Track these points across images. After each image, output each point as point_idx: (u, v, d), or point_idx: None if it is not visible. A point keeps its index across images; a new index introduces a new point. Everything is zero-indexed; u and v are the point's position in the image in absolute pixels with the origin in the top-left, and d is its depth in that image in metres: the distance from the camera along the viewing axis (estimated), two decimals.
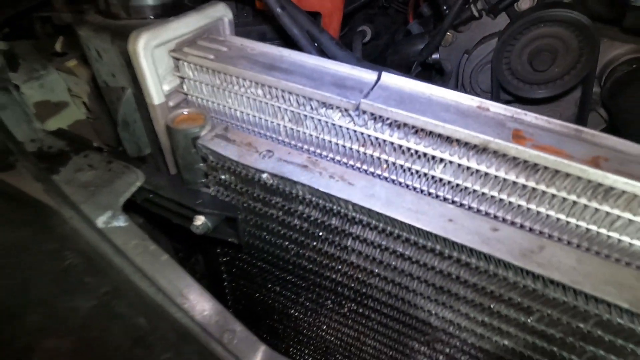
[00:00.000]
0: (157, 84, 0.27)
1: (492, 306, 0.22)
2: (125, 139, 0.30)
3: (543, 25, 0.40)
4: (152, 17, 0.28)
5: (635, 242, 0.20)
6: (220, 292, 0.32)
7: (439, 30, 0.57)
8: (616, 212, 0.20)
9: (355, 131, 0.24)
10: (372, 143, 0.24)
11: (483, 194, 0.22)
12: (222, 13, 0.30)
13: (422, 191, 0.24)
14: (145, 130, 0.30)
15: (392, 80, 0.25)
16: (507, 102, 0.53)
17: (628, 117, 0.38)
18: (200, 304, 0.22)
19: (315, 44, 0.44)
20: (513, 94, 0.47)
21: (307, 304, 0.33)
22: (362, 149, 0.24)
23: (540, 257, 0.20)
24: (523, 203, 0.21)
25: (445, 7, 0.58)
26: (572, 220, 0.21)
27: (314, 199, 0.24)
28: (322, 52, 0.44)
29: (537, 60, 0.42)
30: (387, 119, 0.22)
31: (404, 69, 0.75)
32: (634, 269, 0.20)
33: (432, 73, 0.71)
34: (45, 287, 0.19)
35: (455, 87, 0.57)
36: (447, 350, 0.27)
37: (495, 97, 0.49)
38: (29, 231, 0.20)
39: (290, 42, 0.43)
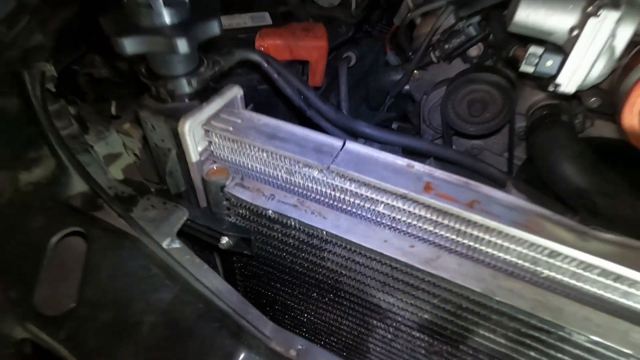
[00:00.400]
0: (194, 147, 0.39)
1: (414, 294, 0.36)
2: (170, 183, 0.43)
3: (475, 84, 0.54)
4: (187, 100, 0.41)
5: (495, 252, 0.33)
6: (235, 288, 0.45)
7: (406, 71, 0.70)
8: (481, 234, 0.33)
9: (328, 182, 0.37)
10: (339, 189, 0.37)
11: (408, 223, 0.35)
12: (237, 92, 0.43)
13: (370, 221, 0.37)
14: (183, 176, 0.43)
15: (352, 146, 0.38)
16: (455, 135, 0.67)
17: (534, 151, 0.51)
18: (229, 295, 0.35)
19: (302, 97, 0.56)
20: (457, 131, 0.61)
21: (300, 296, 0.46)
22: (333, 193, 0.37)
23: (436, 263, 0.33)
24: (431, 228, 0.34)
25: (410, 53, 0.72)
26: (460, 239, 0.34)
27: (301, 227, 0.37)
28: (309, 104, 0.56)
29: (472, 108, 0.55)
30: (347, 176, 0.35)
31: (383, 94, 0.88)
32: (492, 269, 0.33)
33: (406, 99, 0.84)
34: (143, 286, 0.31)
35: (419, 120, 0.70)
36: (394, 324, 0.41)
37: (445, 133, 0.62)
38: (127, 252, 0.33)
39: (277, 90, 0.56)
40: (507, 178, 0.49)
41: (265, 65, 0.51)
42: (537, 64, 0.45)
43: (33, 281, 0.31)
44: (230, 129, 0.39)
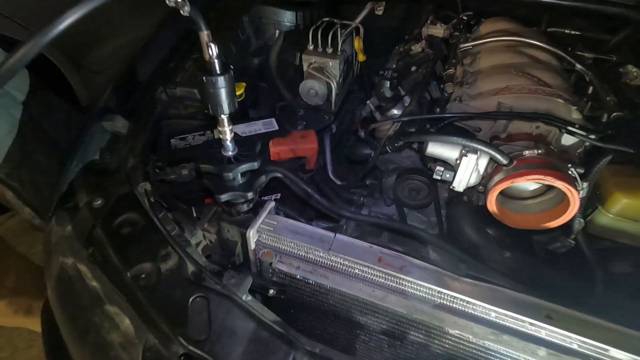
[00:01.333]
0: (252, 241, 0.71)
1: (377, 316, 0.68)
2: (236, 260, 0.74)
3: (411, 180, 0.88)
4: (246, 214, 0.73)
5: (417, 292, 0.66)
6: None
7: (373, 157, 1.04)
8: (407, 284, 0.65)
9: (329, 258, 0.69)
10: (335, 262, 0.69)
11: (370, 279, 0.68)
12: (272, 205, 0.75)
13: (352, 278, 0.69)
14: (243, 256, 0.74)
15: (340, 237, 0.70)
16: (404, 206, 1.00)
17: (449, 219, 0.85)
18: (278, 322, 0.66)
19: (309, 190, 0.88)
20: (405, 205, 0.95)
21: (314, 322, 0.77)
22: (332, 264, 0.69)
23: (386, 300, 0.65)
24: (382, 281, 0.67)
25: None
26: (397, 286, 0.67)
27: (314, 283, 0.69)
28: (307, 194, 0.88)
29: (411, 192, 0.89)
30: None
31: (355, 162, 1.20)
32: (416, 301, 0.66)
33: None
34: (237, 321, 0.62)
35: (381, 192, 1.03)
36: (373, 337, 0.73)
37: (397, 207, 0.96)
38: (226, 304, 0.64)
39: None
40: (435, 239, 0.82)
41: (285, 177, 0.83)
42: (441, 175, 0.79)
43: (185, 322, 0.62)
44: (272, 229, 0.71)
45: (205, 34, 0.50)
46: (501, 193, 0.82)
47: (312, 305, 0.73)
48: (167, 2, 0.44)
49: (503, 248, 0.81)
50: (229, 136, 0.63)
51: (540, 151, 0.73)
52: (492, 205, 0.77)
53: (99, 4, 0.42)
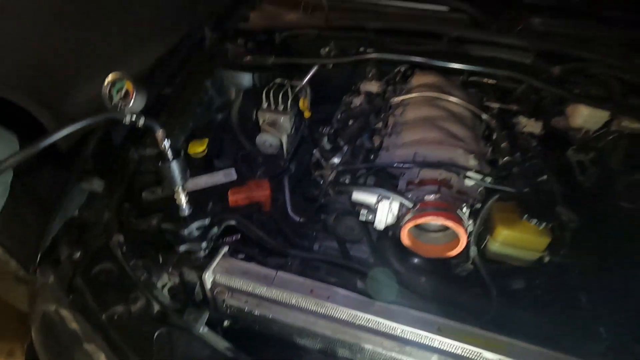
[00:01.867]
0: (208, 282, 0.86)
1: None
2: (197, 298, 0.89)
3: (344, 222, 1.05)
4: (203, 259, 0.88)
5: (341, 317, 0.82)
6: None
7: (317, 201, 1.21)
8: (330, 310, 0.82)
9: (272, 292, 0.85)
10: (278, 295, 0.85)
11: (302, 307, 0.83)
12: (225, 250, 0.91)
13: (294, 309, 0.85)
14: (202, 294, 0.89)
15: (281, 274, 0.86)
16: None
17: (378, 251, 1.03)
18: (229, 348, 0.81)
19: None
20: (343, 241, 1.12)
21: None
22: (275, 297, 0.85)
23: (316, 324, 0.81)
24: (314, 308, 0.83)
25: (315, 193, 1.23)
26: (319, 310, 0.83)
27: (261, 313, 0.84)
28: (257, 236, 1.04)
29: (346, 230, 1.07)
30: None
31: (310, 200, 1.37)
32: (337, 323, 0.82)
33: None
34: (196, 349, 0.77)
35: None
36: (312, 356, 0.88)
37: (338, 242, 1.13)
38: (186, 337, 0.78)
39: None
40: (362, 269, 0.99)
41: (237, 224, 0.99)
42: (365, 217, 0.98)
43: (152, 354, 0.76)
44: (224, 271, 0.86)
45: (159, 133, 0.68)
46: (418, 227, 1.01)
47: (261, 332, 0.88)
48: (124, 122, 0.61)
49: (421, 274, 0.98)
50: (183, 202, 0.79)
51: (437, 195, 0.92)
52: (405, 239, 0.95)
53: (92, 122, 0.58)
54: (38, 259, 0.95)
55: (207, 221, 0.83)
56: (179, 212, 0.81)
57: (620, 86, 1.26)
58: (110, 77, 0.60)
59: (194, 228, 0.81)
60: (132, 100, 0.58)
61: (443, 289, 0.97)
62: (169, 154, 0.70)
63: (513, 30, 1.40)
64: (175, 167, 0.70)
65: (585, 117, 1.27)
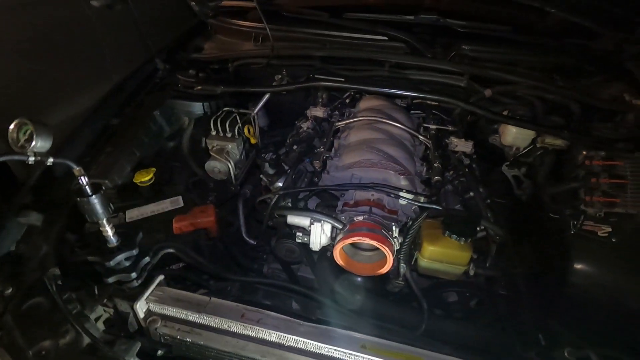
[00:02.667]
0: (142, 311, 0.87)
1: None
2: (130, 328, 0.89)
3: (285, 244, 1.09)
4: (135, 288, 0.89)
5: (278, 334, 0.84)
6: None
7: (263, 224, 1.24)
8: (248, 332, 0.84)
9: (203, 318, 0.86)
10: (210, 321, 0.87)
11: (240, 333, 0.85)
12: (160, 278, 0.92)
13: (226, 334, 0.86)
14: (137, 324, 0.90)
15: (214, 300, 0.88)
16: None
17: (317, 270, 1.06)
18: None
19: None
20: (285, 263, 1.15)
21: None
22: (208, 323, 0.87)
23: (246, 348, 0.83)
24: (245, 333, 0.85)
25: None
26: (249, 333, 0.85)
27: (194, 340, 0.85)
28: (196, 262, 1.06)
29: (287, 252, 1.10)
30: None
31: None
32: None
33: None
34: None
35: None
36: None
37: (282, 265, 1.16)
38: None
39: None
40: (299, 289, 1.02)
41: (177, 251, 1.01)
42: (301, 239, 1.01)
43: None
44: (158, 299, 0.87)
45: (76, 170, 0.70)
46: (352, 246, 1.05)
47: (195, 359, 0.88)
48: (27, 162, 0.63)
49: (357, 293, 1.02)
50: (110, 232, 0.81)
51: (366, 216, 0.97)
52: (338, 259, 0.99)
53: None
54: None
55: (135, 251, 0.85)
56: (107, 244, 0.83)
57: (543, 106, 1.36)
58: (14, 123, 0.63)
59: (122, 259, 0.83)
60: (35, 141, 0.61)
61: (378, 306, 1.01)
62: (88, 189, 0.72)
63: (447, 56, 1.50)
64: (95, 201, 0.72)
65: (513, 135, 1.37)
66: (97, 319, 0.91)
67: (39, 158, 0.63)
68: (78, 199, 0.72)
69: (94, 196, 0.72)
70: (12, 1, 2.04)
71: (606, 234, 1.12)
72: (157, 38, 1.70)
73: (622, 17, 1.39)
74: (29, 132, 0.61)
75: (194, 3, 1.75)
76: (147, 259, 0.89)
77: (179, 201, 1.25)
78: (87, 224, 1.14)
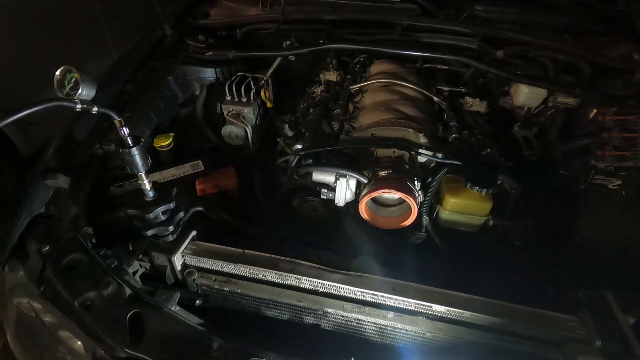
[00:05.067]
0: (178, 263, 0.90)
1: None
2: (167, 280, 0.93)
3: (307, 200, 1.12)
4: (171, 241, 0.92)
5: None
6: None
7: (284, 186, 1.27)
8: (282, 280, 0.88)
9: (239, 269, 0.90)
10: (245, 271, 0.90)
11: (275, 281, 0.89)
12: (193, 233, 0.95)
13: (262, 282, 0.90)
14: (173, 275, 0.93)
15: (248, 252, 0.91)
16: None
17: None
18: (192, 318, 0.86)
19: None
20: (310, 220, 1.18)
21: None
22: (243, 273, 0.90)
23: (282, 294, 0.87)
24: (279, 281, 0.89)
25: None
26: (284, 281, 0.89)
27: (231, 290, 0.89)
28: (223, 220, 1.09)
29: (310, 210, 1.13)
30: None
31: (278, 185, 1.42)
32: None
33: None
34: (173, 326, 0.81)
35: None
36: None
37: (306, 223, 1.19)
38: (159, 314, 0.83)
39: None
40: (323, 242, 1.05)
41: (205, 209, 1.04)
42: (326, 195, 1.04)
43: (125, 333, 0.79)
44: (193, 252, 0.91)
45: (117, 121, 0.71)
46: (375, 202, 1.08)
47: (232, 308, 0.93)
48: (75, 109, 0.63)
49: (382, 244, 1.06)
50: (147, 186, 0.83)
51: (389, 171, 1.00)
52: (363, 213, 1.02)
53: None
54: (6, 255, 0.95)
55: (172, 205, 0.87)
56: (144, 198, 0.85)
57: (554, 66, 1.38)
58: (59, 70, 0.63)
59: (159, 212, 0.85)
60: (81, 88, 0.61)
61: (402, 256, 1.05)
62: (129, 140, 0.73)
63: (459, 18, 1.49)
64: (136, 153, 0.74)
65: (525, 95, 1.39)
66: (134, 274, 0.94)
67: (85, 106, 0.64)
68: (120, 150, 0.73)
69: (134, 147, 0.73)
70: None
71: (616, 187, 1.16)
72: (164, 4, 1.66)
73: None
74: (74, 79, 0.62)
75: None
76: (181, 213, 0.91)
77: (199, 165, 1.27)
78: (111, 187, 1.16)
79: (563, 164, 1.28)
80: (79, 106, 0.63)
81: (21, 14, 2.09)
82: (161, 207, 0.84)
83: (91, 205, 1.08)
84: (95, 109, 0.66)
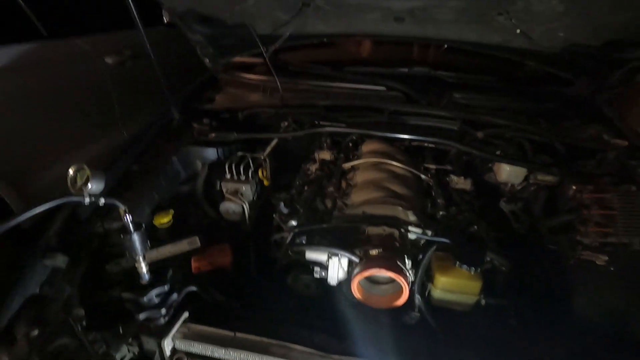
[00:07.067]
0: (167, 348, 0.89)
1: None
2: None
3: (301, 278, 1.13)
4: (161, 326, 0.92)
5: None
6: None
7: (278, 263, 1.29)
8: None
9: (230, 354, 0.88)
10: (235, 356, 0.88)
11: None
12: (185, 315, 0.94)
13: None
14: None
15: (239, 335, 0.90)
16: None
17: None
18: None
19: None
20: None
21: None
22: (233, 358, 0.88)
23: None
24: None
25: None
26: None
27: None
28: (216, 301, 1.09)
29: (303, 288, 1.14)
30: None
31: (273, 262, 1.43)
32: None
33: None
34: None
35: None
36: None
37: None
38: None
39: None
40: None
41: (198, 290, 1.04)
42: (319, 273, 1.06)
43: None
44: (184, 336, 0.90)
45: (121, 209, 0.77)
46: (368, 280, 1.09)
47: None
48: (84, 203, 0.69)
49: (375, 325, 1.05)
50: (144, 269, 0.86)
51: (379, 249, 1.03)
52: (355, 293, 1.03)
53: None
54: None
55: (166, 287, 0.88)
56: (140, 281, 0.87)
57: (531, 146, 1.50)
58: (73, 168, 0.71)
59: (153, 295, 0.86)
60: (91, 184, 0.68)
61: (396, 337, 1.03)
62: (131, 226, 0.78)
63: (440, 103, 1.65)
64: (136, 238, 0.78)
65: (507, 172, 1.48)
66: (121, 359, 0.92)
67: (92, 199, 0.70)
68: (122, 235, 0.77)
69: (135, 233, 0.78)
70: (38, 58, 2.22)
71: (604, 263, 1.19)
72: (172, 90, 1.84)
73: (592, 68, 1.57)
74: (85, 177, 0.68)
75: (207, 60, 1.92)
76: (174, 295, 0.92)
77: (196, 241, 1.30)
78: (108, 265, 1.18)
79: (550, 239, 1.31)
80: (87, 200, 0.69)
81: (45, 95, 2.29)
82: (155, 290, 0.86)
83: (86, 283, 1.09)
84: (102, 200, 0.72)
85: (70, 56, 2.44)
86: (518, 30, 1.40)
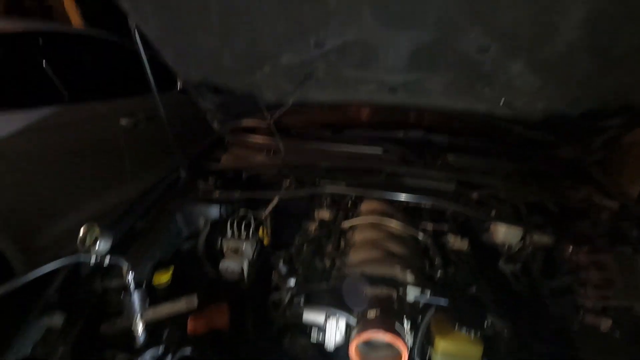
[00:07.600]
0: None
1: None
2: None
3: (298, 344, 1.11)
4: None
5: None
6: None
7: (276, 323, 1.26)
8: None
9: None
10: None
11: None
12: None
13: None
14: None
15: None
16: None
17: None
18: None
19: None
20: None
21: None
22: None
23: None
24: None
25: None
26: None
27: None
28: None
29: (299, 353, 1.11)
30: None
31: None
32: None
33: None
34: None
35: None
36: None
37: None
38: None
39: None
40: None
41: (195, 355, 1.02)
42: (316, 339, 1.04)
43: None
44: None
45: (125, 267, 0.80)
46: (366, 344, 1.07)
47: None
48: (90, 263, 0.73)
49: None
50: (140, 330, 0.86)
51: (377, 312, 1.02)
52: (353, 357, 1.01)
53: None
54: None
55: (160, 349, 0.87)
56: (134, 342, 0.86)
57: (525, 207, 1.54)
58: (83, 228, 0.75)
59: (147, 357, 0.85)
60: (99, 243, 0.71)
61: None
62: (132, 286, 0.80)
63: (435, 165, 1.73)
64: (136, 298, 0.80)
65: (504, 233, 1.50)
66: None
67: (98, 260, 0.73)
68: (121, 294, 0.79)
69: (136, 292, 0.79)
70: (58, 120, 2.39)
71: (608, 329, 1.16)
72: (181, 149, 1.95)
73: (575, 134, 1.67)
74: (95, 236, 0.72)
75: (215, 123, 2.06)
76: (168, 358, 0.91)
77: (194, 300, 1.29)
78: (103, 326, 1.16)
79: (552, 301, 1.30)
80: (93, 259, 0.72)
81: (59, 154, 2.41)
82: (149, 352, 0.85)
83: (80, 342, 1.07)
84: (107, 260, 0.75)
85: (88, 118, 2.62)
86: (502, 102, 1.52)
